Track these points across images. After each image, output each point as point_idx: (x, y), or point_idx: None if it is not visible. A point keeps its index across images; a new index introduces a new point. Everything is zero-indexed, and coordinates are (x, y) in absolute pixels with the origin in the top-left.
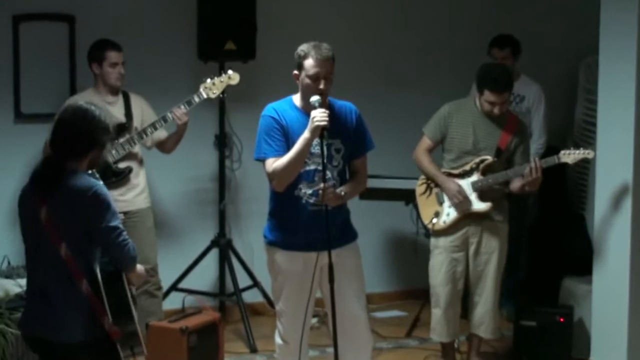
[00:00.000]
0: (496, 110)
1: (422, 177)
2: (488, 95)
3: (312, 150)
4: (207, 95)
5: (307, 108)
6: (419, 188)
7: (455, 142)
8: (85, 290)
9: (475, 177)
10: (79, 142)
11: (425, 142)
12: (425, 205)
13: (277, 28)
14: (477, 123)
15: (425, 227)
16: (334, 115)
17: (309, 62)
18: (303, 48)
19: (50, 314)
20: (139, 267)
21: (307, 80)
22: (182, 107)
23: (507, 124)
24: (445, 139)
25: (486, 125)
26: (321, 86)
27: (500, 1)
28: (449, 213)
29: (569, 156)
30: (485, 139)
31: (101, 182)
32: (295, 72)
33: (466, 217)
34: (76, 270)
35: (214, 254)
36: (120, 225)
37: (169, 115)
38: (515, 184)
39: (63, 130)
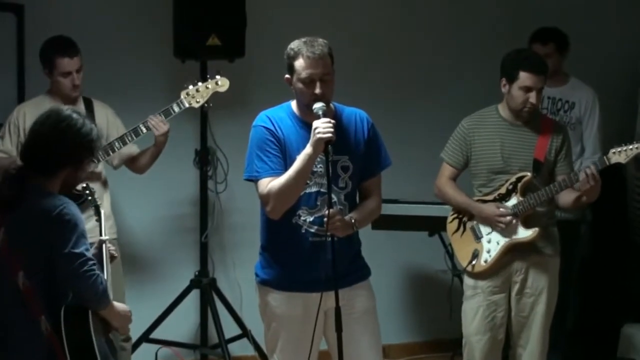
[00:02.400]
0: (532, 100)
1: (452, 211)
2: (524, 78)
3: (314, 169)
4: (190, 104)
5: (307, 117)
6: (450, 225)
7: (483, 163)
8: (45, 329)
9: (514, 200)
10: (49, 156)
11: (447, 169)
12: (461, 245)
13: (271, 20)
14: (504, 134)
15: (455, 268)
16: (341, 125)
17: (299, 63)
18: (292, 46)
19: None
20: (122, 307)
21: (300, 85)
22: (160, 115)
23: (541, 129)
24: (470, 161)
25: (516, 134)
26: (317, 90)
27: None
28: (489, 249)
29: (619, 154)
30: (517, 152)
31: (72, 202)
32: (287, 75)
33: (510, 251)
34: (35, 305)
35: (194, 296)
36: (88, 253)
37: (142, 127)
38: (566, 198)
39: (33, 141)
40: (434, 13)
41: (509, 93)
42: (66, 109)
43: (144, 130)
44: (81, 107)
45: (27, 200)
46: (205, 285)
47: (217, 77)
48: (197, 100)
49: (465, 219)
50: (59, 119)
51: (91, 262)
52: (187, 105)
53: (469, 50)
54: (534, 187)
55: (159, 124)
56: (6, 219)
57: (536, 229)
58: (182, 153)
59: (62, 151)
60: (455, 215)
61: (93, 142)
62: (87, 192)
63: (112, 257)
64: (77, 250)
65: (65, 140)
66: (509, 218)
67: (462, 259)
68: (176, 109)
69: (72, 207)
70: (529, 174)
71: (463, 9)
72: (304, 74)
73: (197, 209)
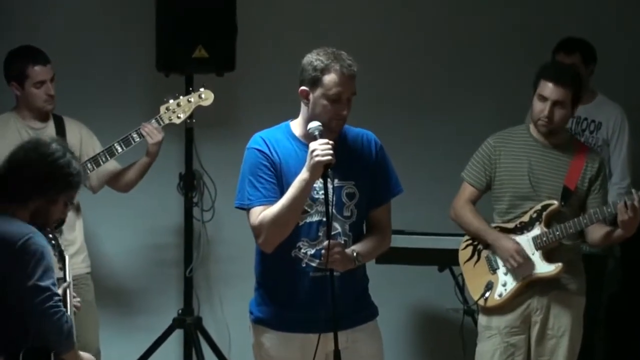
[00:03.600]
0: (545, 112)
1: (467, 237)
2: (542, 86)
3: (316, 196)
4: (170, 119)
5: (310, 138)
6: (463, 253)
7: (507, 185)
8: None
9: (537, 231)
10: (20, 182)
11: (467, 190)
12: (474, 275)
13: (264, 30)
14: (534, 156)
15: (465, 302)
16: (346, 147)
17: (331, 79)
18: (320, 58)
19: None
20: (87, 356)
21: (324, 102)
22: (133, 135)
23: (575, 154)
24: (493, 182)
25: (547, 157)
26: (345, 111)
27: (557, 4)
28: (505, 282)
29: None
30: (547, 177)
31: (39, 232)
32: (304, 87)
33: (529, 286)
34: None
35: (177, 336)
36: (54, 288)
37: (134, 135)
38: (596, 234)
39: (7, 165)
40: (442, 29)
41: (532, 104)
42: (48, 138)
43: (137, 138)
44: (51, 124)
45: None
46: (189, 325)
47: (201, 89)
48: (179, 115)
49: (480, 246)
50: (36, 145)
51: (57, 298)
52: (167, 121)
53: (481, 68)
54: (560, 218)
55: (153, 131)
56: None
57: (559, 265)
58: (164, 177)
59: (33, 178)
60: (469, 242)
61: (72, 177)
62: (50, 235)
63: (75, 308)
64: (42, 284)
65: (39, 167)
66: (522, 260)
67: (474, 291)
68: (155, 125)
69: (39, 237)
70: (555, 202)
71: (475, 24)
72: (334, 90)
73: (181, 240)
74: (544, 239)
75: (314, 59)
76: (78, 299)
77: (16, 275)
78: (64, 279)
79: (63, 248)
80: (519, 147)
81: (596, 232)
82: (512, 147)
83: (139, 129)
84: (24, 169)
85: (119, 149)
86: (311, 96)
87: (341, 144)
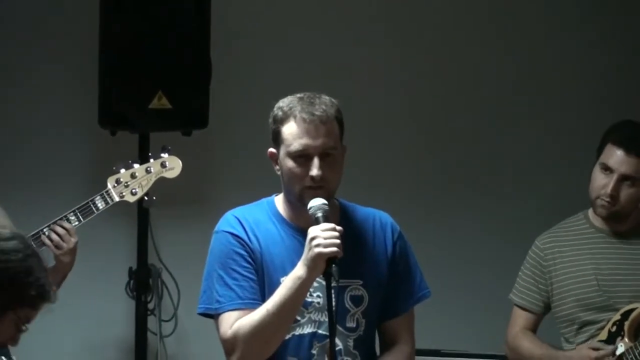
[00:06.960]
0: (608, 190)
1: None
2: (607, 153)
3: (309, 299)
4: (122, 196)
5: (299, 218)
6: None
7: (571, 298)
8: None
9: (621, 348)
10: None
11: (520, 316)
12: None
13: (246, 74)
14: (599, 251)
15: None
16: (352, 233)
17: (290, 129)
18: (282, 104)
19: None
20: None
21: (289, 163)
22: (71, 217)
23: None
24: (552, 299)
25: (617, 250)
26: (314, 171)
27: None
28: None
29: None
30: (622, 276)
31: None
32: (272, 149)
33: None
34: None
35: None
36: None
37: (44, 238)
38: None
39: None
40: (494, 83)
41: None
42: (7, 231)
43: (48, 241)
44: None
45: None
46: None
47: (164, 155)
48: (133, 190)
49: None
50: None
51: None
52: (117, 199)
53: (536, 159)
54: None
55: (61, 237)
56: None
57: None
58: (108, 275)
59: None
60: None
61: (29, 290)
62: None
63: None
64: None
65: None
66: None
67: None
68: (100, 204)
69: None
70: (638, 304)
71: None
72: (295, 146)
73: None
74: (630, 356)
75: (276, 107)
76: None
77: None
78: None
79: None
80: (577, 244)
81: None
82: (569, 246)
83: (44, 230)
84: None
85: None
86: (278, 159)
87: (344, 228)
